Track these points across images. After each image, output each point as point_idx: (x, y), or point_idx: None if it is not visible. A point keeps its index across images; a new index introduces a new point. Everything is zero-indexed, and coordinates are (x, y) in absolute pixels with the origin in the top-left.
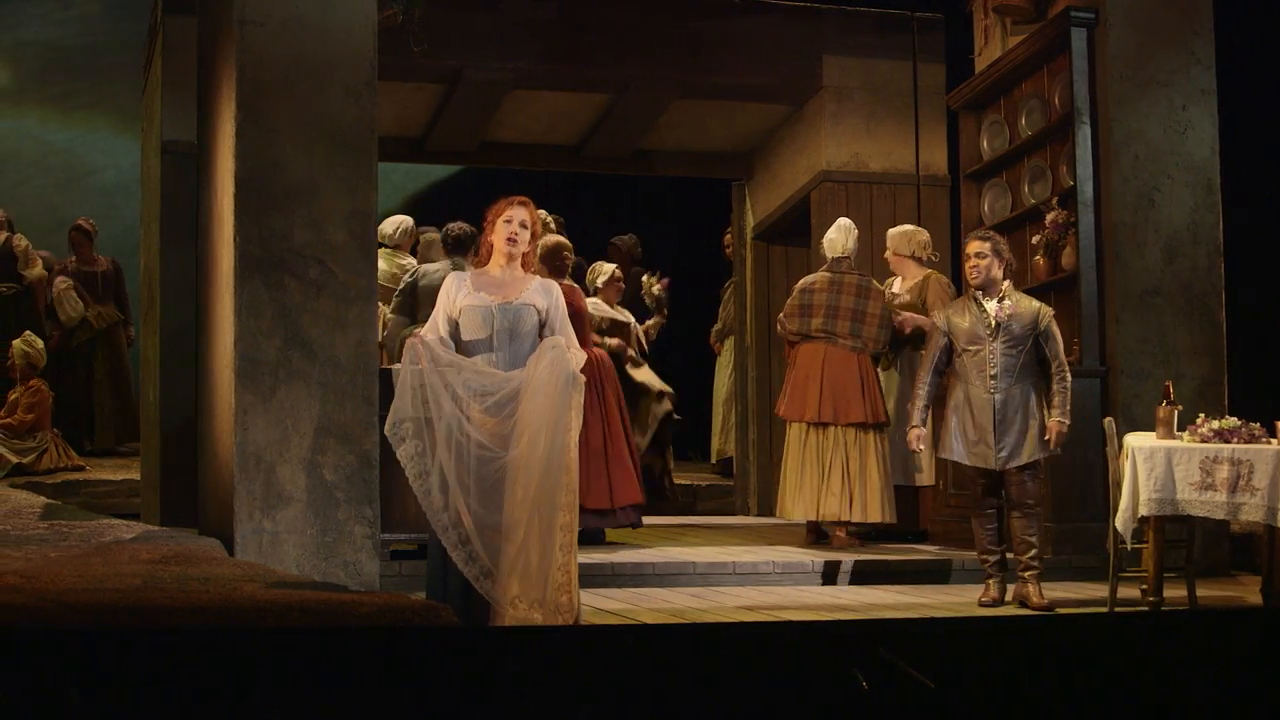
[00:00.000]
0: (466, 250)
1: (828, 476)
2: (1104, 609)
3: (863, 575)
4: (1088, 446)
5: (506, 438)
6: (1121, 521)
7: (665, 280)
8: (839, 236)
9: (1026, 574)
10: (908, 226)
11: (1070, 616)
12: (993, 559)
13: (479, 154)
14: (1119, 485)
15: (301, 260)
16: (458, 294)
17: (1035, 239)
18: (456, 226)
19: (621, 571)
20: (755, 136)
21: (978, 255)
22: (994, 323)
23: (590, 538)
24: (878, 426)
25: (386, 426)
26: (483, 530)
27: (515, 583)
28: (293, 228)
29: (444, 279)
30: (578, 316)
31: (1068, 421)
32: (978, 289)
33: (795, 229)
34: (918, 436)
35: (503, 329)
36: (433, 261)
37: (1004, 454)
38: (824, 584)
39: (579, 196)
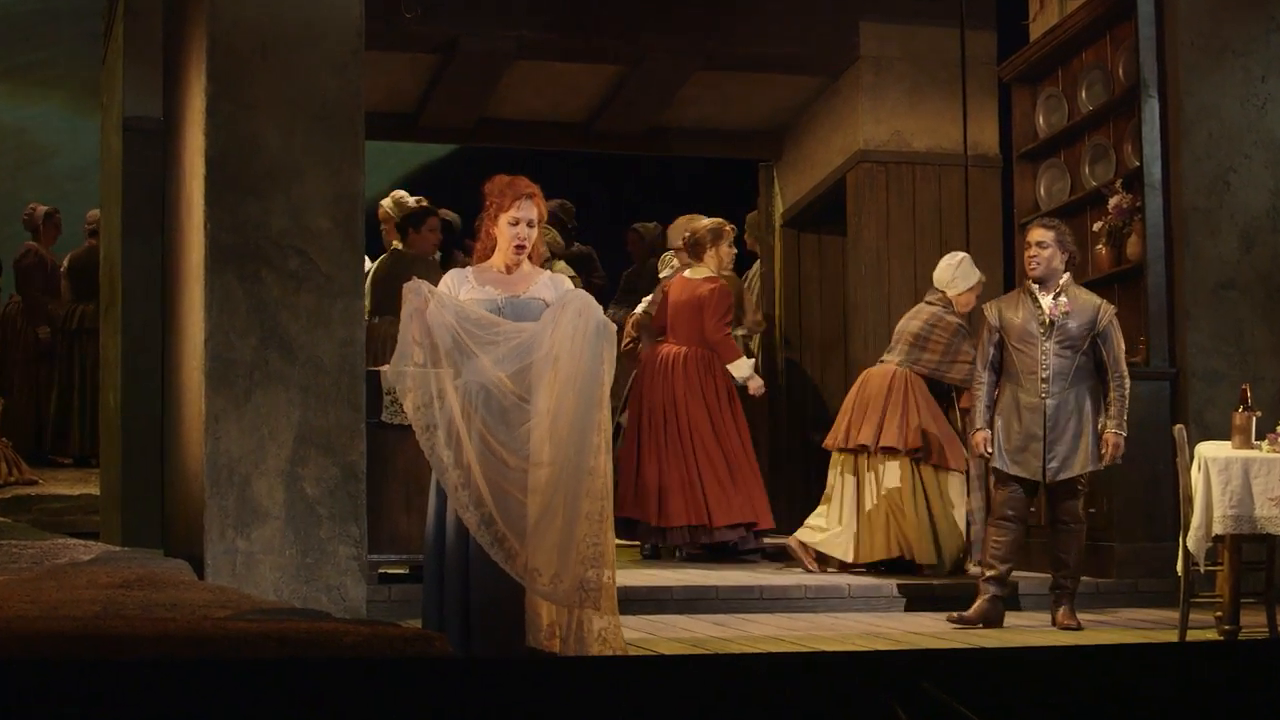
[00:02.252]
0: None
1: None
2: (1174, 638)
3: (905, 601)
4: (1156, 458)
5: (526, 388)
6: (1194, 541)
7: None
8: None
9: (1059, 593)
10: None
11: (1136, 646)
12: (991, 574)
13: (477, 132)
14: (1190, 501)
15: (280, 250)
16: (459, 289)
17: (1097, 226)
18: (443, 213)
19: (635, 597)
20: (785, 112)
21: (1039, 244)
22: (1048, 320)
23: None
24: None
25: (389, 374)
26: (499, 488)
27: (536, 552)
28: (270, 214)
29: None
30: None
31: (1125, 434)
32: (1035, 281)
33: (829, 215)
34: (985, 440)
35: None
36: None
37: (1054, 464)
38: (862, 611)
39: (587, 178)
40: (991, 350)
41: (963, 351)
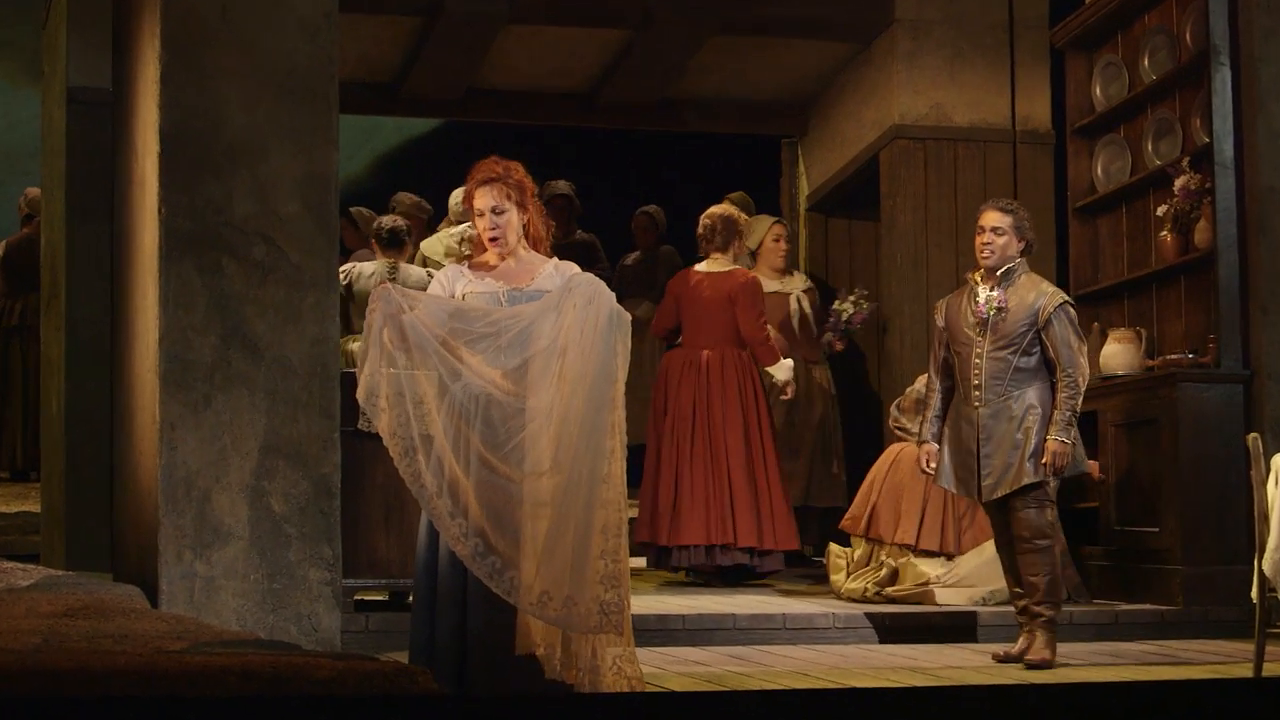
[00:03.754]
0: (403, 247)
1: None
2: (1249, 673)
3: (946, 631)
4: (1227, 470)
5: (525, 386)
6: (1270, 564)
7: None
8: None
9: (1029, 621)
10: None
11: (1209, 682)
12: (1018, 604)
13: (465, 104)
14: (1266, 518)
15: (244, 237)
16: (453, 286)
17: (1161, 210)
18: (389, 220)
19: (644, 626)
20: (811, 83)
21: (995, 230)
22: (979, 317)
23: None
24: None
25: (359, 392)
26: (499, 511)
27: (543, 573)
28: (232, 196)
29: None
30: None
31: (1069, 441)
32: (986, 271)
33: (860, 197)
34: (929, 455)
35: None
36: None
37: (989, 480)
38: (897, 642)
39: (589, 157)
40: (942, 352)
41: None
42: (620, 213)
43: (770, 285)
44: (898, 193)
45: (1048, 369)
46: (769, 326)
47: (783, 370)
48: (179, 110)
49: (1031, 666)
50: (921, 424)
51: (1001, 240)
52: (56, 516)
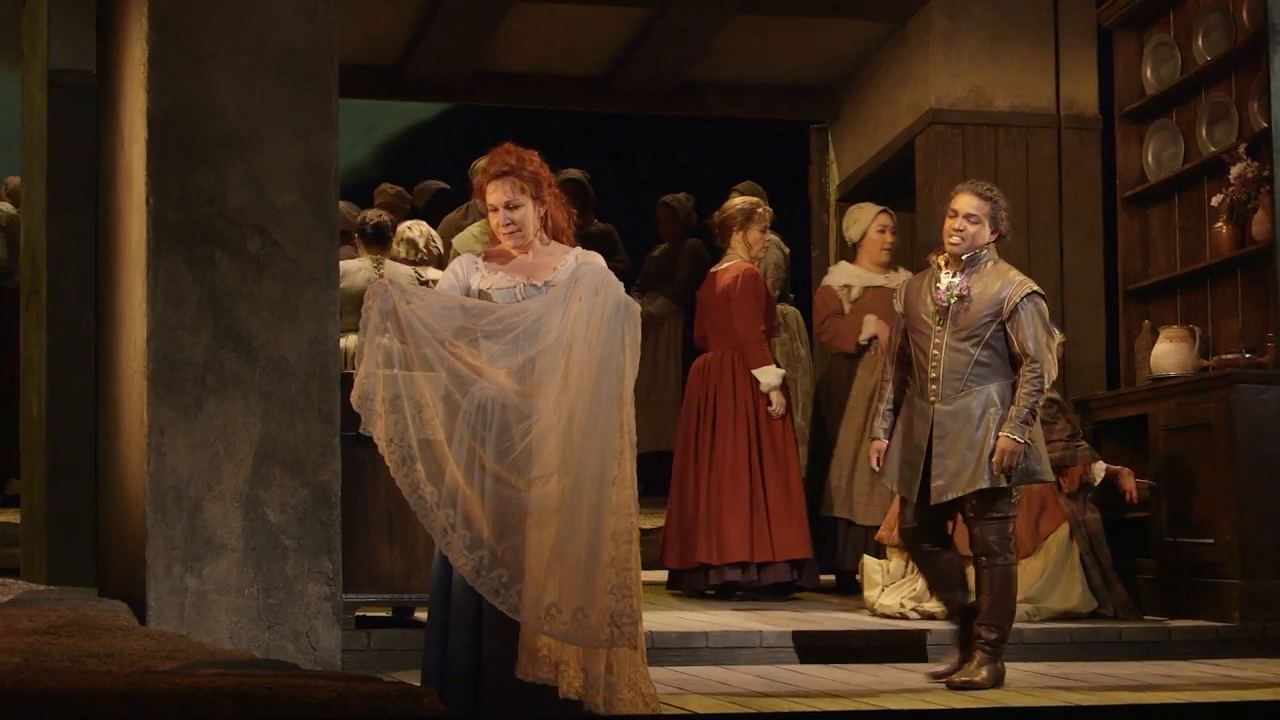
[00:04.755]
0: (388, 242)
1: None
2: None
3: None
4: None
5: (532, 385)
6: None
7: None
8: None
9: (972, 640)
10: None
11: (1269, 704)
12: (950, 609)
13: (473, 88)
14: None
15: (237, 229)
16: (466, 278)
17: (1216, 199)
18: (374, 214)
19: (664, 644)
20: (842, 65)
21: (968, 216)
22: (939, 305)
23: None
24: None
25: (354, 396)
26: (505, 522)
27: (551, 586)
28: (225, 186)
29: (366, 280)
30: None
31: (1023, 441)
32: (951, 258)
33: (894, 186)
34: (878, 452)
35: None
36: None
37: (940, 482)
38: (936, 661)
39: (604, 143)
40: (899, 340)
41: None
42: (638, 203)
43: (874, 280)
44: (934, 181)
45: (1012, 365)
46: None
47: (768, 375)
48: (168, 94)
49: (955, 687)
50: (872, 418)
51: (974, 228)
52: (38, 527)
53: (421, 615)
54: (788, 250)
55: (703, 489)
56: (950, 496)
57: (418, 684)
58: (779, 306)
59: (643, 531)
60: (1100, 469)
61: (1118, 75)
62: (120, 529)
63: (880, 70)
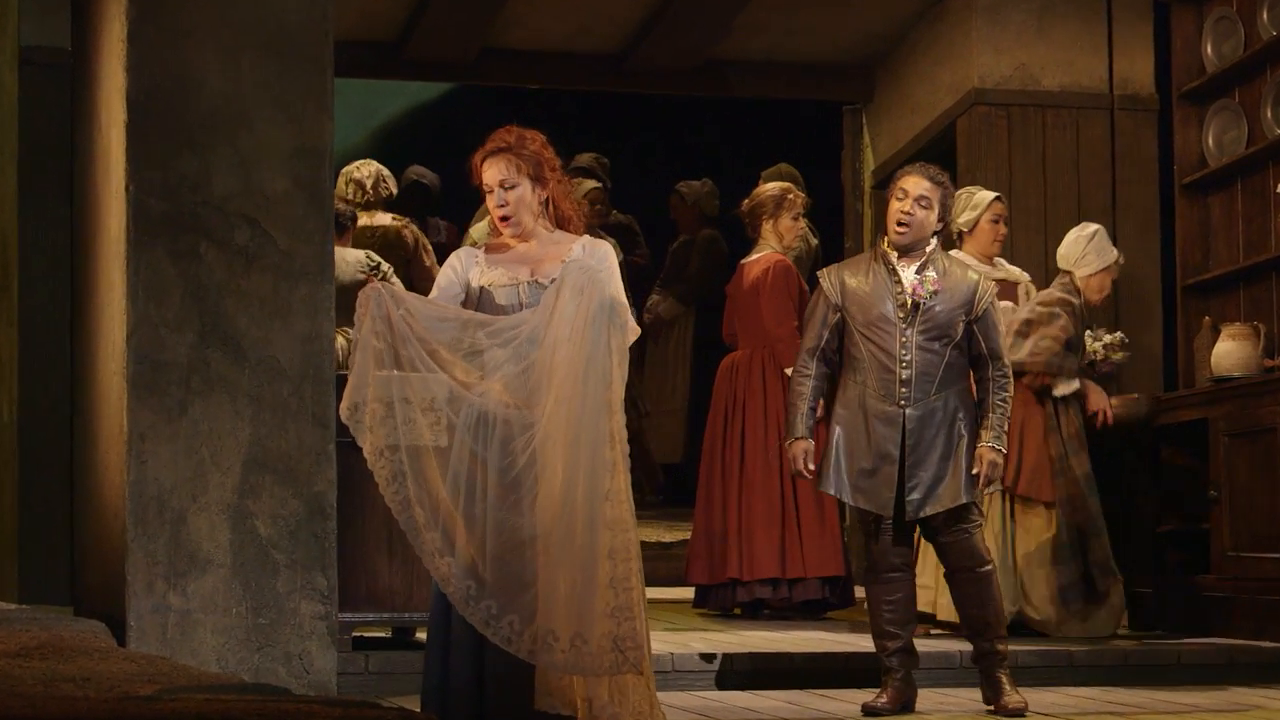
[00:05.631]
0: (344, 233)
1: None
2: None
3: (1044, 673)
4: None
5: (527, 396)
6: None
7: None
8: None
9: (990, 664)
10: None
11: None
12: (894, 645)
13: (478, 67)
14: None
15: (224, 219)
16: (466, 273)
17: None
18: (349, 208)
19: (684, 667)
20: (877, 41)
21: (919, 201)
22: (910, 301)
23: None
24: None
25: (342, 407)
26: (494, 544)
27: (543, 612)
28: (211, 172)
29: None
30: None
31: (1004, 449)
32: (896, 249)
33: None
34: (805, 454)
35: None
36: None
37: (916, 496)
38: (976, 685)
39: (620, 126)
40: (825, 334)
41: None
42: (654, 191)
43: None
44: (978, 166)
45: (969, 365)
46: None
47: None
48: (149, 73)
49: (1011, 714)
50: (789, 419)
51: (922, 214)
52: (8, 541)
53: (422, 635)
54: (815, 241)
55: (732, 499)
56: (929, 512)
57: (418, 709)
58: None
59: (665, 545)
60: (1071, 386)
61: (1175, 52)
62: (98, 543)
63: (919, 47)
